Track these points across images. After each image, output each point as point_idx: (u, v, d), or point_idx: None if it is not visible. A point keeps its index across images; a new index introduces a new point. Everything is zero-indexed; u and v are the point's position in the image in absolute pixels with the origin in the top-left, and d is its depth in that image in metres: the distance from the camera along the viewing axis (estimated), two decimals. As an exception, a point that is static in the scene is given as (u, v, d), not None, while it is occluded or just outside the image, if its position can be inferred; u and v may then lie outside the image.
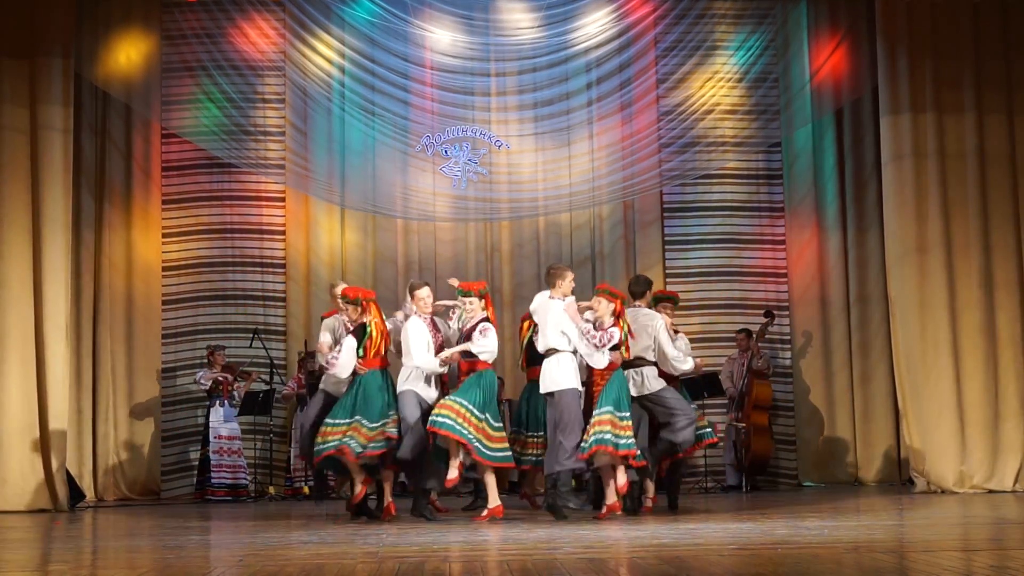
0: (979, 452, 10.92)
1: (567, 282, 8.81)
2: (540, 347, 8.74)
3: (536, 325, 8.97)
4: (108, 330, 12.20)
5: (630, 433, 8.48)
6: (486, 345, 8.75)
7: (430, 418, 8.55)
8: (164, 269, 12.50)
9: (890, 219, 11.44)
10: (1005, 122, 11.28)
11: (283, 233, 12.67)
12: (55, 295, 10.73)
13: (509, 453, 8.82)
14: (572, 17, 12.53)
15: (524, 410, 9.58)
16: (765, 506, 9.60)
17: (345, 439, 8.65)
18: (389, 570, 5.77)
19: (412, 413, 8.71)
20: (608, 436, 8.41)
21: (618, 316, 8.60)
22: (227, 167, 12.55)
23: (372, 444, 8.66)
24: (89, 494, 11.63)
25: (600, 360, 8.49)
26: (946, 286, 11.11)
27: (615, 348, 8.54)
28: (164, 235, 12.53)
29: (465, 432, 8.49)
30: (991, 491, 10.74)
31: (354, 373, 8.80)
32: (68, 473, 10.77)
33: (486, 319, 8.83)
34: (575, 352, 8.64)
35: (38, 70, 10.87)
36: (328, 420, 8.82)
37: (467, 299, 8.88)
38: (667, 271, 12.78)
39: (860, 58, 12.48)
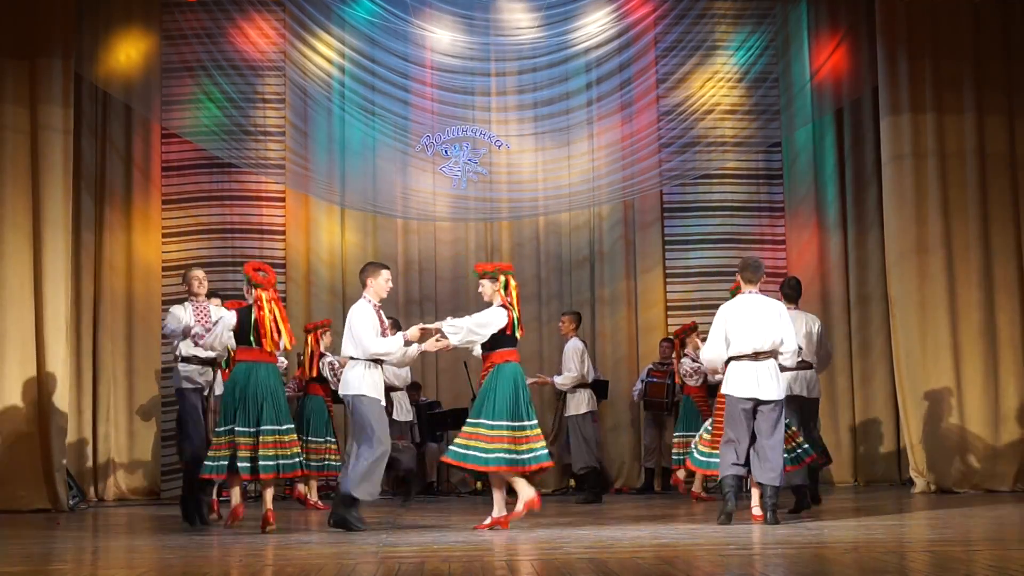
0: (979, 452, 10.92)
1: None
2: (749, 348, 8.07)
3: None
4: (108, 330, 12.19)
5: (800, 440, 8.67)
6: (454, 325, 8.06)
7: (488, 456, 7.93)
8: (164, 270, 12.48)
9: (890, 219, 11.45)
10: (1005, 123, 11.29)
11: (283, 233, 12.67)
12: (55, 296, 10.73)
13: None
14: (572, 17, 12.54)
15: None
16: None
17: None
18: (389, 570, 5.77)
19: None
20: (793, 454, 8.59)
21: None
22: (227, 167, 12.54)
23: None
24: (89, 494, 11.63)
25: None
26: (946, 286, 11.12)
27: None
28: (164, 236, 12.52)
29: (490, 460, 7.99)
30: (991, 491, 10.74)
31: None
32: (68, 473, 10.77)
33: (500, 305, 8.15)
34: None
35: (38, 70, 10.87)
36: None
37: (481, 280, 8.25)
38: (667, 271, 12.78)
39: (860, 58, 12.49)
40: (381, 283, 8.29)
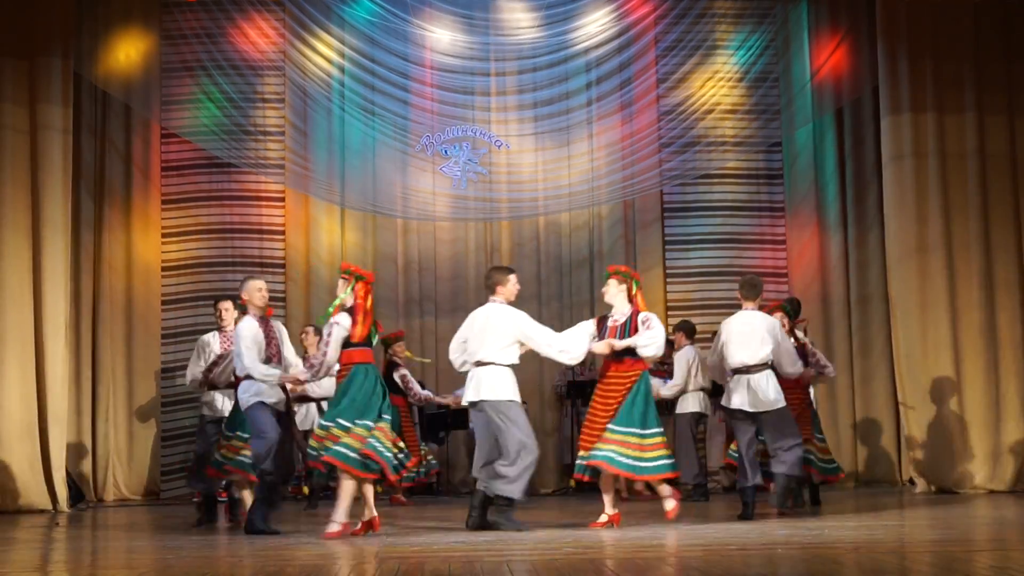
0: (979, 452, 10.91)
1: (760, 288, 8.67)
2: (740, 362, 8.45)
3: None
4: (108, 330, 12.18)
5: None
6: (653, 337, 7.93)
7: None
8: (163, 269, 12.49)
9: (890, 219, 11.45)
10: (1005, 122, 11.29)
11: (283, 233, 12.67)
12: (55, 296, 10.73)
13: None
14: (572, 17, 12.54)
15: None
16: (765, 507, 9.58)
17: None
18: (389, 570, 5.77)
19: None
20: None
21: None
22: (227, 167, 12.54)
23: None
24: (89, 494, 11.62)
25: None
26: (947, 286, 11.12)
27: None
28: (163, 235, 12.52)
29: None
30: (991, 491, 10.73)
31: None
32: (68, 473, 10.77)
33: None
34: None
35: (38, 70, 10.87)
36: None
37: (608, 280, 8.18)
38: (667, 271, 12.78)
39: (860, 58, 12.49)
40: (511, 288, 8.10)
